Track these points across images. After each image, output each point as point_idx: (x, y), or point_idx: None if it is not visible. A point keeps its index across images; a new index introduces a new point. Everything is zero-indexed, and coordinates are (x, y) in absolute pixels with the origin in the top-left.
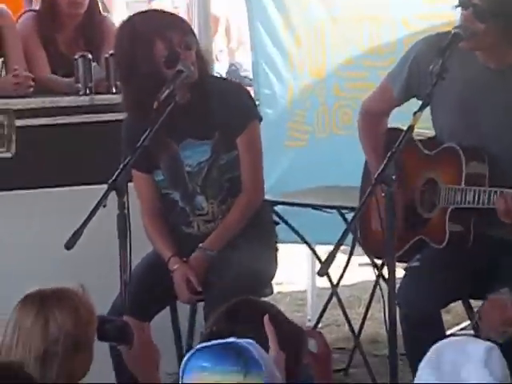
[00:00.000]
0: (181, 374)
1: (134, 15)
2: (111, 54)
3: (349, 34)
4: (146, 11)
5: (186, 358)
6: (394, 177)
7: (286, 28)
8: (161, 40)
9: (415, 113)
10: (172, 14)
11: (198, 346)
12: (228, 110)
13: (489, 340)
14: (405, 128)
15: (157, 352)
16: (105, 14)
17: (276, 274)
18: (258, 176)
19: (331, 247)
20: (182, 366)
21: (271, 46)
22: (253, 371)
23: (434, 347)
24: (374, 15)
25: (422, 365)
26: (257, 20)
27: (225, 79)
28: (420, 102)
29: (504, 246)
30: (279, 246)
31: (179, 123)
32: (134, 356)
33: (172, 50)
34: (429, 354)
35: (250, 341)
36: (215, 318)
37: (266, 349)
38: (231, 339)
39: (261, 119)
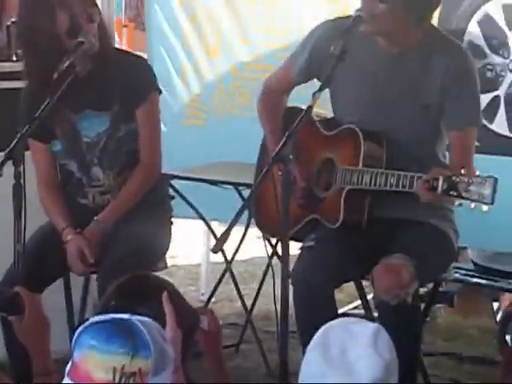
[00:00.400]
0: (72, 349)
1: None
2: (13, 22)
3: (244, 15)
4: None
5: (77, 333)
6: (291, 156)
7: (180, 7)
8: (63, 10)
9: (314, 93)
10: None
11: (90, 321)
12: (128, 81)
13: (381, 302)
14: (304, 107)
15: (48, 324)
16: None
17: (171, 248)
18: (156, 149)
19: (227, 225)
20: (73, 340)
21: (166, 25)
22: (141, 354)
23: (321, 329)
24: None
25: (309, 347)
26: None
27: (127, 52)
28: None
29: (396, 225)
30: (175, 220)
31: (79, 94)
32: (25, 327)
33: (74, 20)
34: (316, 335)
35: (146, 319)
36: (109, 293)
37: (162, 325)
38: (125, 315)
39: (160, 92)
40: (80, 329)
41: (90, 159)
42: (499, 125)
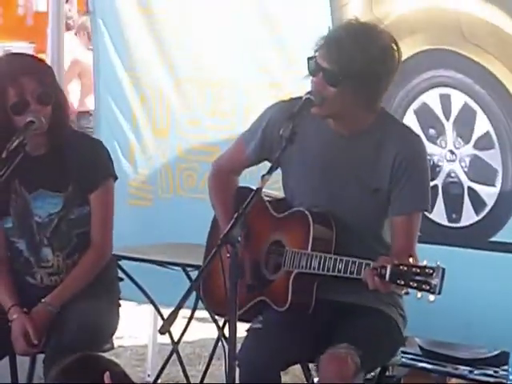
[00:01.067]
0: None
1: None
2: None
3: (192, 96)
4: (8, 54)
5: None
6: (239, 238)
7: (131, 86)
8: (12, 86)
9: (263, 175)
10: (35, 61)
11: None
12: (84, 165)
13: None
14: (254, 188)
15: None
16: None
17: (118, 328)
18: (108, 233)
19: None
20: None
21: (114, 103)
22: None
23: None
24: (217, 80)
25: None
26: (102, 76)
27: (84, 134)
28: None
29: (344, 309)
30: (123, 302)
31: (34, 173)
32: None
33: (22, 97)
34: None
35: None
36: (53, 375)
37: None
38: None
39: (116, 178)
40: None
41: (40, 239)
42: (437, 214)
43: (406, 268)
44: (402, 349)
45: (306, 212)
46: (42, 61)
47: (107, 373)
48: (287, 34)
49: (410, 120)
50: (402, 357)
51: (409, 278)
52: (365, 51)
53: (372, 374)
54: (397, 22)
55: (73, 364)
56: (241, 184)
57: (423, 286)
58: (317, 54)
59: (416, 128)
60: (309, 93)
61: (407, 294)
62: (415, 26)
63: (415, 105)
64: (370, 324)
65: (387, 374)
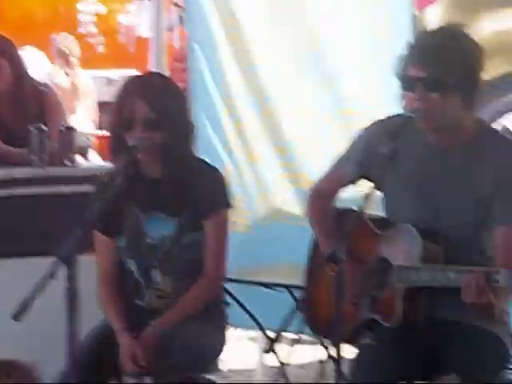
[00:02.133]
0: None
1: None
2: (66, 128)
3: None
4: (137, 76)
5: None
6: (344, 256)
7: (226, 112)
8: (126, 104)
9: (367, 194)
10: (159, 83)
11: None
12: (201, 192)
13: None
14: (355, 208)
15: None
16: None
17: (226, 351)
18: (221, 262)
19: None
20: None
21: (210, 128)
22: None
23: None
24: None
25: None
26: (199, 106)
27: (205, 161)
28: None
29: (452, 328)
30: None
31: (149, 196)
32: None
33: (130, 116)
34: None
35: None
36: None
37: None
38: None
39: (231, 207)
40: None
41: (151, 261)
42: None
43: None
44: None
45: (412, 227)
46: (170, 84)
47: None
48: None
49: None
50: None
51: None
52: (463, 51)
53: None
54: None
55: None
56: None
57: None
58: (406, 69)
59: None
60: (410, 111)
61: None
62: (498, 49)
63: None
64: (477, 347)
65: None
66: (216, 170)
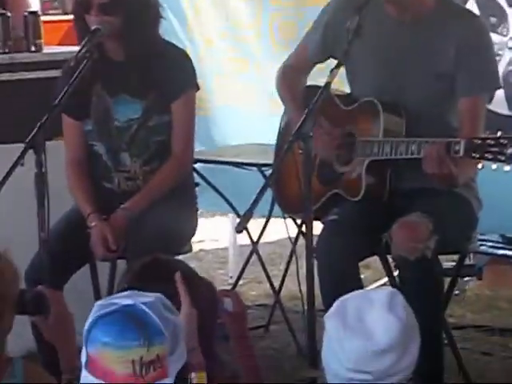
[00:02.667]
0: (84, 343)
1: None
2: (30, 12)
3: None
4: None
5: (87, 327)
6: (311, 133)
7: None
8: None
9: (332, 70)
10: None
11: (97, 315)
12: (168, 74)
13: (400, 258)
14: (321, 85)
15: (72, 321)
16: None
17: (199, 233)
18: (189, 144)
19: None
20: (84, 334)
21: (170, 13)
22: (155, 341)
23: (339, 299)
24: None
25: (327, 314)
26: None
27: (170, 43)
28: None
29: (418, 194)
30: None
31: (115, 78)
32: (50, 327)
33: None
34: (334, 304)
35: (150, 299)
36: (127, 277)
37: (178, 306)
38: (129, 301)
39: (198, 89)
40: (89, 323)
41: (119, 144)
42: (498, 104)
43: (480, 141)
44: (481, 237)
45: (376, 101)
46: None
47: (178, 272)
48: None
49: (471, 8)
50: (482, 245)
51: (483, 150)
52: None
53: (452, 263)
54: None
55: (145, 266)
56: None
57: (498, 157)
58: None
59: None
60: None
61: (482, 167)
62: None
63: None
64: (443, 201)
65: (468, 262)
66: (183, 52)
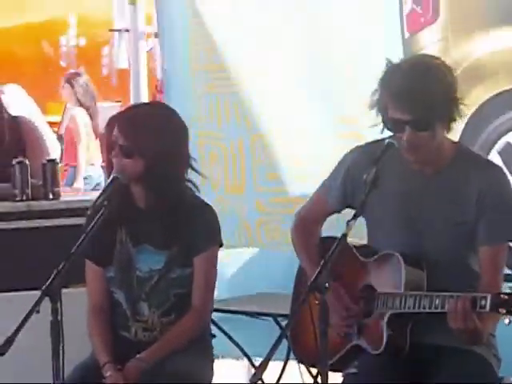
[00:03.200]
0: None
1: None
2: (48, 161)
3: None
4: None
5: None
6: (327, 285)
7: (201, 146)
8: (107, 131)
9: (348, 221)
10: (138, 115)
11: None
12: (192, 228)
13: None
14: (338, 236)
15: None
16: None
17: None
18: (209, 299)
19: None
20: None
21: None
22: None
23: None
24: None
25: None
26: None
27: (197, 196)
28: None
29: (439, 352)
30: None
31: (140, 226)
32: None
33: (112, 141)
34: None
35: None
36: None
37: None
38: None
39: (221, 245)
40: None
41: (138, 294)
42: None
43: (506, 296)
44: None
45: (396, 254)
46: (156, 114)
47: None
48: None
49: (495, 161)
50: None
51: (510, 304)
52: (440, 83)
53: None
54: (476, 64)
55: None
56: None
57: None
58: (386, 109)
59: None
60: (391, 137)
61: (510, 322)
62: (494, 68)
63: (499, 146)
64: (463, 367)
65: None
66: (209, 206)
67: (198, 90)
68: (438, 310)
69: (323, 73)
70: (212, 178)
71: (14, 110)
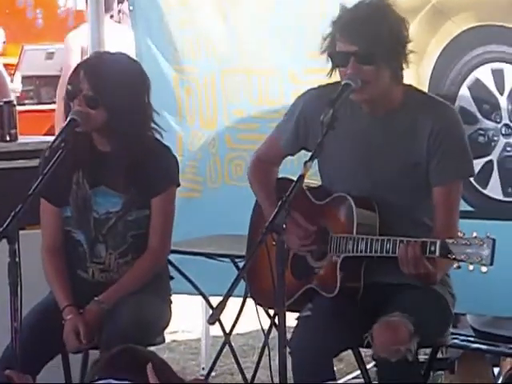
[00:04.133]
0: None
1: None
2: (5, 102)
3: (239, 86)
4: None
5: None
6: (284, 226)
7: (176, 79)
8: (71, 77)
9: (305, 162)
10: (110, 64)
11: None
12: (150, 170)
13: (381, 359)
14: (294, 178)
15: None
16: None
17: (171, 323)
18: (166, 240)
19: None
20: None
21: (158, 98)
22: None
23: None
24: (263, 68)
25: None
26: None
27: (156, 139)
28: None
29: (393, 290)
30: (174, 295)
31: (97, 169)
32: None
33: (75, 89)
34: None
35: None
36: (97, 366)
37: None
38: None
39: (178, 185)
40: None
41: (96, 235)
42: (493, 189)
43: (455, 241)
44: (454, 330)
45: (348, 196)
46: (121, 62)
47: (150, 364)
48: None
49: (464, 96)
50: (455, 338)
51: (459, 251)
52: (388, 23)
53: (425, 356)
54: (445, 0)
55: (115, 356)
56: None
57: (474, 258)
58: (334, 45)
59: (470, 104)
60: (346, 78)
61: (459, 267)
62: (464, 4)
63: (468, 81)
64: (420, 300)
65: (440, 356)
66: (167, 147)
67: (169, 26)
68: (390, 255)
69: (296, 9)
70: (188, 113)
71: None
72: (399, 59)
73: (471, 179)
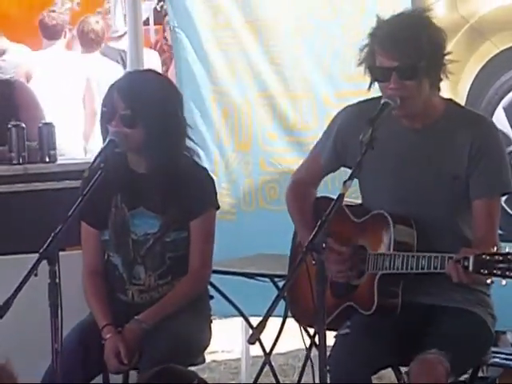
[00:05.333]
0: None
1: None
2: (45, 124)
3: (273, 109)
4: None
5: None
6: (324, 245)
7: (214, 102)
8: (106, 98)
9: (345, 182)
10: (145, 82)
11: None
12: (189, 192)
13: None
14: (334, 197)
15: None
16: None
17: (211, 344)
18: (207, 263)
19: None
20: None
21: (199, 118)
22: None
23: None
24: (297, 92)
25: None
26: (188, 95)
27: (193, 161)
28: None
29: (431, 311)
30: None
31: (135, 191)
32: None
33: (112, 110)
34: None
35: None
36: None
37: None
38: None
39: (218, 208)
40: None
41: (134, 257)
42: None
43: (488, 257)
44: (494, 349)
45: (386, 214)
46: (154, 81)
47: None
48: None
49: (499, 117)
50: (495, 357)
51: (492, 266)
52: (428, 35)
53: (465, 376)
54: (483, 20)
55: (156, 375)
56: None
57: (507, 273)
58: (374, 59)
59: (504, 125)
60: (385, 97)
61: (492, 282)
62: (501, 24)
63: (505, 102)
64: (458, 325)
65: (481, 375)
66: (205, 170)
67: (207, 47)
68: (425, 271)
69: (331, 32)
70: (224, 134)
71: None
72: (439, 71)
73: (502, 202)
